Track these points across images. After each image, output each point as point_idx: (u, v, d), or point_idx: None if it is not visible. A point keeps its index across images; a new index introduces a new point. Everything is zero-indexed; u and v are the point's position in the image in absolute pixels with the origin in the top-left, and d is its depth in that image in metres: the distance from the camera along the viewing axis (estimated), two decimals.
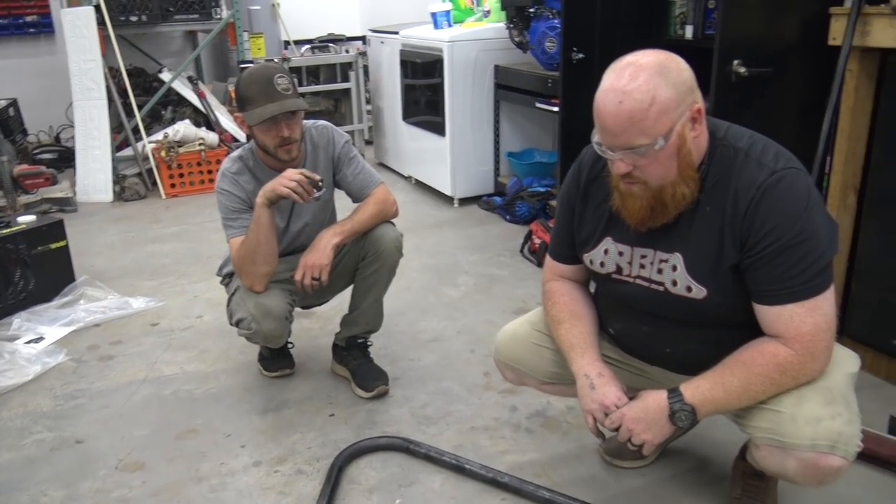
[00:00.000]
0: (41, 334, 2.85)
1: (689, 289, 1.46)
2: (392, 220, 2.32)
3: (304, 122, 2.24)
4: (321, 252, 2.15)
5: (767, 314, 1.40)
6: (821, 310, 1.37)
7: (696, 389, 1.44)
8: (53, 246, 3.18)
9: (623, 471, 1.94)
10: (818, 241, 1.36)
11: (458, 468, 1.96)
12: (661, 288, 1.51)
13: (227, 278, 2.36)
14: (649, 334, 1.61)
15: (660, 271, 1.50)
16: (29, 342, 2.78)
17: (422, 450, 2.02)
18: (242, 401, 2.38)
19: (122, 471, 2.05)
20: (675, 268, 1.47)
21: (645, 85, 1.31)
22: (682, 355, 1.58)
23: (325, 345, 2.59)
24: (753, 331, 1.44)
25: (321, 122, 2.30)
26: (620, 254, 1.56)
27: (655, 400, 1.47)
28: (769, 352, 1.39)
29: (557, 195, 1.75)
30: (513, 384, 1.92)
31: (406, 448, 2.05)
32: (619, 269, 1.57)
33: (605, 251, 1.58)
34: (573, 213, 1.65)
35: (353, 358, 2.42)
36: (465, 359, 2.59)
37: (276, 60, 5.26)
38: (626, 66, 1.34)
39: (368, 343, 2.47)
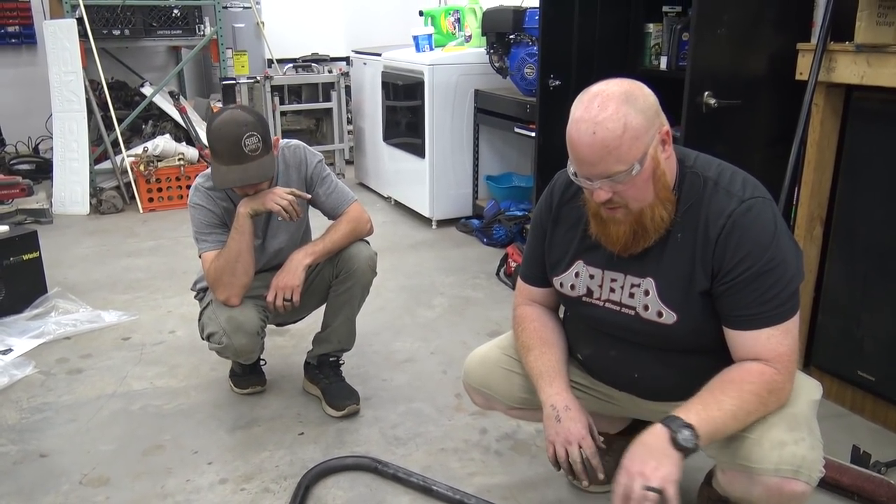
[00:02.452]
0: (10, 346, 2.82)
1: (659, 314, 1.49)
2: (366, 239, 2.33)
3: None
4: (292, 273, 2.16)
5: (743, 339, 1.42)
6: (792, 333, 1.41)
7: (689, 411, 1.38)
8: (26, 257, 3.15)
9: (590, 495, 1.95)
10: (788, 266, 1.40)
11: (426, 489, 1.95)
12: (631, 312, 1.53)
13: (201, 293, 2.35)
14: (618, 359, 1.63)
15: (631, 295, 1.52)
16: None
17: (390, 470, 2.02)
18: (212, 417, 2.36)
19: (86, 486, 2.02)
20: (647, 292, 1.50)
21: (615, 113, 1.34)
22: (651, 381, 1.60)
23: (297, 363, 2.58)
24: (721, 358, 1.46)
25: (293, 141, 2.31)
26: (591, 277, 1.58)
27: (651, 434, 1.38)
28: (756, 370, 1.40)
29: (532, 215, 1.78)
30: (482, 409, 1.93)
31: (374, 468, 2.04)
32: (589, 293, 1.59)
33: (576, 274, 1.60)
34: (545, 235, 1.67)
35: (325, 376, 2.41)
36: (438, 380, 2.59)
37: (264, 98, 5.27)
38: (594, 97, 1.37)
39: (340, 362, 2.47)
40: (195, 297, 2.40)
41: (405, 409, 2.40)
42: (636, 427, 1.97)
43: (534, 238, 1.72)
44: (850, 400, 2.32)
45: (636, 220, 1.44)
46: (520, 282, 1.79)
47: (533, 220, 1.73)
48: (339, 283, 2.30)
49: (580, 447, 1.54)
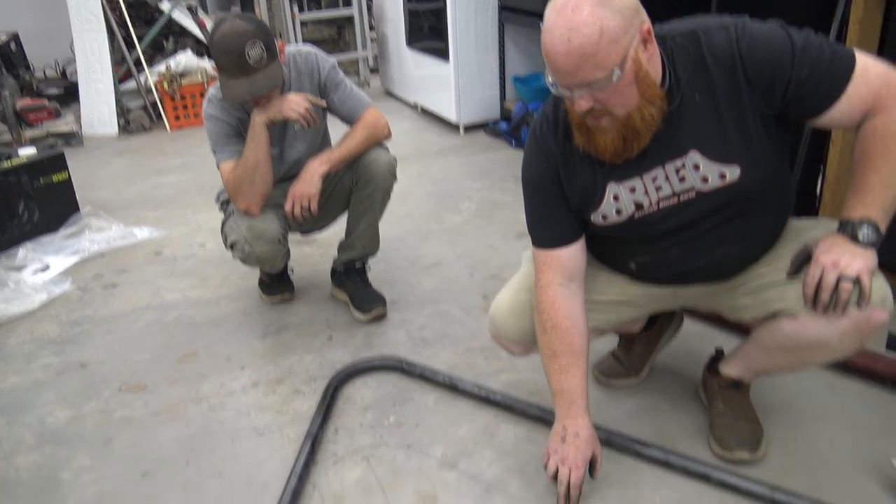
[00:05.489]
0: (47, 264, 2.90)
1: (722, 175, 1.40)
2: (385, 144, 2.29)
3: (288, 48, 2.19)
4: (308, 182, 2.14)
5: (844, 106, 1.34)
6: (869, 63, 1.34)
7: (853, 209, 1.34)
8: (56, 178, 3.20)
9: (616, 391, 1.96)
10: (809, 32, 1.34)
11: (452, 387, 1.98)
12: (691, 195, 1.44)
13: (224, 204, 2.36)
14: (680, 256, 1.55)
15: (682, 179, 1.43)
16: (35, 272, 2.82)
17: (416, 369, 2.05)
18: (242, 325, 2.41)
19: (125, 392, 2.10)
20: (697, 166, 1.41)
21: (590, 17, 1.24)
22: (718, 262, 1.54)
23: (324, 270, 2.60)
24: (785, 210, 1.49)
25: (305, 47, 2.24)
26: (632, 190, 1.47)
27: (833, 238, 1.37)
28: (881, 124, 1.33)
29: (522, 178, 1.61)
30: (521, 356, 1.84)
31: (401, 368, 2.07)
32: (638, 206, 1.49)
33: (615, 197, 1.49)
34: (558, 187, 1.53)
35: (352, 282, 2.43)
36: (465, 282, 2.60)
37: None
38: (566, 2, 1.26)
39: (367, 267, 2.48)
40: (219, 208, 2.40)
41: (432, 311, 2.42)
42: (655, 322, 1.95)
43: (542, 197, 1.55)
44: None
45: (624, 125, 1.35)
46: (539, 254, 1.59)
47: (530, 180, 1.57)
48: (359, 189, 2.28)
49: (570, 474, 1.51)
